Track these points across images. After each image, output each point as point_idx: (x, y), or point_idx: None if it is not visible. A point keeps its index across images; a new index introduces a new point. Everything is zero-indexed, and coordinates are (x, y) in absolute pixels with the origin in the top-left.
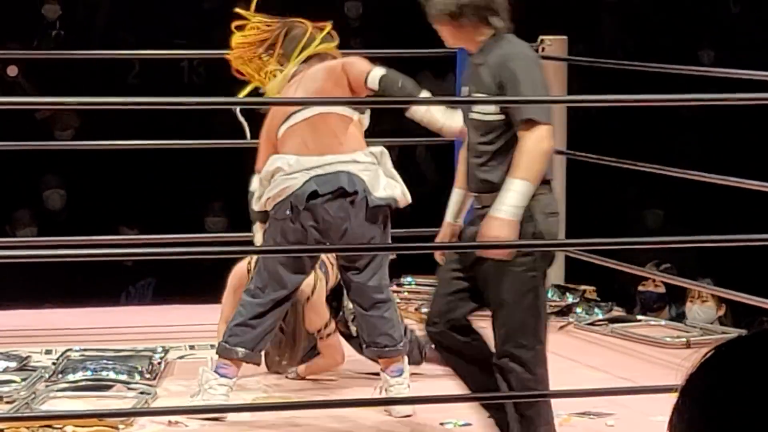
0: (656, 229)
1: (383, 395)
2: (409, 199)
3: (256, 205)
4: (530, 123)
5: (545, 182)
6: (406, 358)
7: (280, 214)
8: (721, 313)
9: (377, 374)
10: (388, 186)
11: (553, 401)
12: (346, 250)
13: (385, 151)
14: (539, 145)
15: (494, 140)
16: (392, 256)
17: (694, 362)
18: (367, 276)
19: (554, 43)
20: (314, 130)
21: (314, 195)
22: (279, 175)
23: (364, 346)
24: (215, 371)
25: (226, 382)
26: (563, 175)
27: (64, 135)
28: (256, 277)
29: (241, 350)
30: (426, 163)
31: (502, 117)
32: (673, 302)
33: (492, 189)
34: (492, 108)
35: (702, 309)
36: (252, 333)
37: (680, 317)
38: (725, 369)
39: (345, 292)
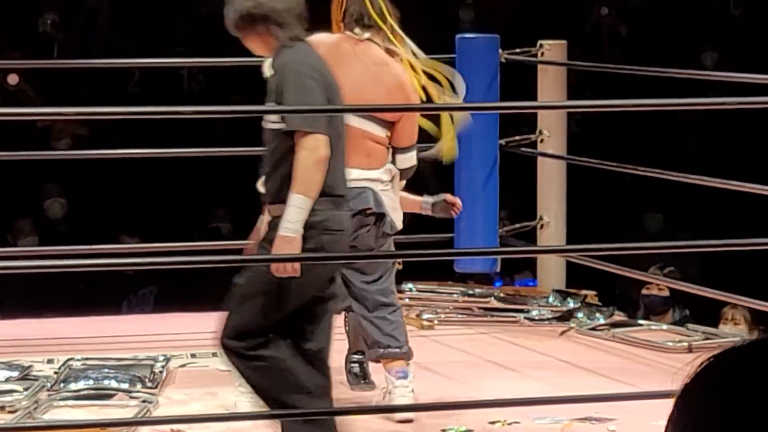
0: (657, 233)
1: (386, 398)
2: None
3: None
4: (301, 134)
5: (330, 196)
6: (411, 364)
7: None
8: (754, 337)
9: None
10: (397, 210)
11: (556, 407)
12: (348, 258)
13: (397, 172)
14: (310, 156)
15: (274, 150)
16: (399, 266)
17: (689, 372)
18: (373, 279)
19: (553, 48)
20: (349, 141)
21: None
22: None
23: (366, 349)
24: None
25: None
26: (563, 180)
27: (63, 144)
28: None
29: None
30: (426, 170)
31: (281, 126)
32: (677, 305)
33: (273, 200)
34: (274, 117)
35: (734, 331)
36: None
37: (684, 321)
38: (720, 379)
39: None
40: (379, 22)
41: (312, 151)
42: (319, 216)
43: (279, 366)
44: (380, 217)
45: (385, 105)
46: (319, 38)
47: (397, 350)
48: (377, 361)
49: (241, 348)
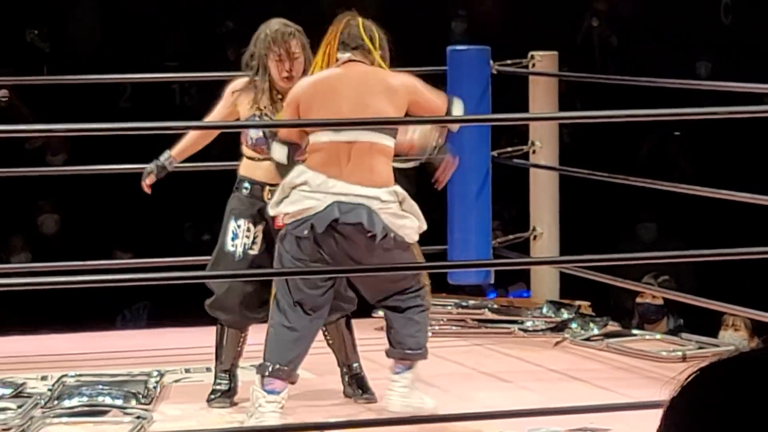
0: (651, 242)
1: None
2: (424, 226)
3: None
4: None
5: None
6: (418, 363)
7: (298, 231)
8: (753, 344)
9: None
10: (403, 226)
11: (551, 418)
12: (343, 271)
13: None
14: None
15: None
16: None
17: (676, 384)
18: (403, 288)
19: (544, 59)
20: (350, 156)
21: (335, 221)
22: (301, 189)
23: (389, 345)
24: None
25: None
26: (556, 191)
27: (56, 160)
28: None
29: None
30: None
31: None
32: (671, 314)
33: None
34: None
35: (734, 337)
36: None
37: (678, 329)
38: (706, 392)
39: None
40: (369, 44)
41: None
42: None
43: None
44: (372, 233)
45: (387, 118)
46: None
47: (417, 353)
48: (396, 359)
49: None
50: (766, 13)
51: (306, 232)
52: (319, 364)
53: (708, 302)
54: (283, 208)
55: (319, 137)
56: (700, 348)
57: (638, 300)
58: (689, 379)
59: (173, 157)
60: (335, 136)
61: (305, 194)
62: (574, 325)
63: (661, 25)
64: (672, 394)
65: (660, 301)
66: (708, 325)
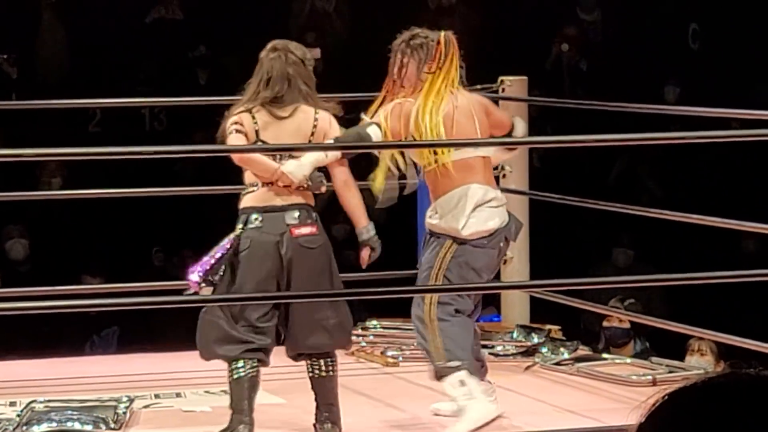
0: (622, 266)
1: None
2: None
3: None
4: None
5: None
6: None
7: (493, 244)
8: (719, 369)
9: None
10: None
11: None
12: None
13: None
14: None
15: None
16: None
17: (644, 409)
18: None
19: (514, 84)
20: (487, 166)
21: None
22: (489, 205)
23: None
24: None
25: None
26: (526, 215)
27: (56, 184)
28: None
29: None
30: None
31: None
32: (638, 337)
33: None
34: None
35: (700, 362)
36: None
37: (644, 353)
38: (672, 418)
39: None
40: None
41: None
42: None
43: None
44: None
45: (390, 142)
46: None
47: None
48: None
49: None
50: (732, 39)
51: (502, 244)
52: (289, 389)
53: (675, 325)
54: (483, 227)
55: (463, 154)
56: (670, 372)
57: (605, 324)
58: (657, 405)
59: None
60: (470, 151)
61: (494, 209)
62: (544, 350)
63: (630, 51)
64: (640, 419)
65: (627, 325)
66: (674, 348)
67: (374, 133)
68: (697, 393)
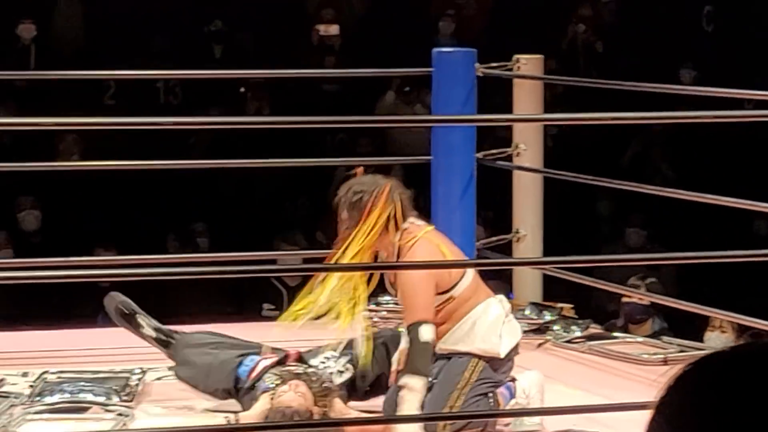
0: (634, 245)
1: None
2: None
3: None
4: None
5: None
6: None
7: (509, 356)
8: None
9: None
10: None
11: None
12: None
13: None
14: None
15: None
16: None
17: (667, 380)
18: None
19: (529, 62)
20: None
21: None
22: (508, 319)
23: None
24: None
25: None
26: (540, 193)
27: (74, 159)
28: None
29: None
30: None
31: None
32: (657, 315)
33: None
34: None
35: (720, 339)
36: None
37: (663, 332)
38: (697, 387)
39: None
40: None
41: None
42: None
43: None
44: None
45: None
46: None
47: None
48: None
49: None
50: (745, 20)
51: (513, 354)
52: None
53: (693, 306)
54: (510, 342)
55: (468, 278)
56: (681, 351)
57: (624, 299)
58: (678, 376)
59: None
60: (468, 277)
61: (511, 323)
62: (556, 327)
63: (645, 33)
64: (661, 392)
65: (646, 302)
66: (693, 326)
67: (428, 334)
68: (723, 362)
